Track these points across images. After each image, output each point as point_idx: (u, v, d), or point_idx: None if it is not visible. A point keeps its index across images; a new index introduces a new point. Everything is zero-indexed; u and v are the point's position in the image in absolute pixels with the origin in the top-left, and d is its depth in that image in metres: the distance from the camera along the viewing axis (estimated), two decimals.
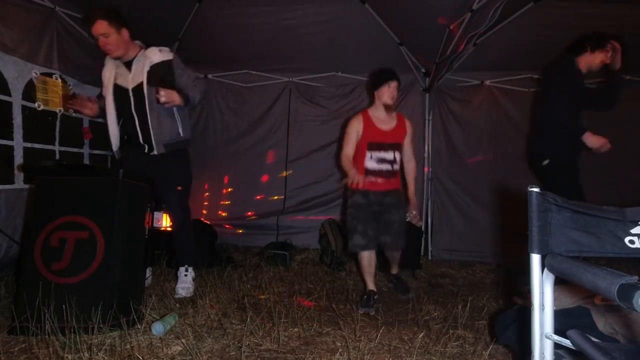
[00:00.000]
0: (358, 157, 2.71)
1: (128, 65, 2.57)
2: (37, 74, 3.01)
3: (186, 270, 2.73)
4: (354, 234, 2.62)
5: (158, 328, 1.98)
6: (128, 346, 1.84)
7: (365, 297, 2.59)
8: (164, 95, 2.47)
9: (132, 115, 2.57)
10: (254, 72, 4.45)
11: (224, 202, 4.62)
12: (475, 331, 2.19)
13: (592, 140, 2.56)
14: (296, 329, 2.11)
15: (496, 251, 3.89)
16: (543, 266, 0.90)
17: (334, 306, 2.49)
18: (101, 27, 2.41)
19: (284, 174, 4.52)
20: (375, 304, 2.55)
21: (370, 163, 2.69)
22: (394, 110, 2.79)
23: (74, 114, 3.40)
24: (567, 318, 1.47)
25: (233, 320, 2.21)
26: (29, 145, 2.98)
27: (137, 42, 2.63)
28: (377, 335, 2.03)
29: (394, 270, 2.99)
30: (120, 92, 2.57)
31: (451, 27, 3.21)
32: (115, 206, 2.11)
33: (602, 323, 1.43)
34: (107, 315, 1.94)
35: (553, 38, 3.02)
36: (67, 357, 1.71)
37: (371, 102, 2.81)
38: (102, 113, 2.69)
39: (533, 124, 3.22)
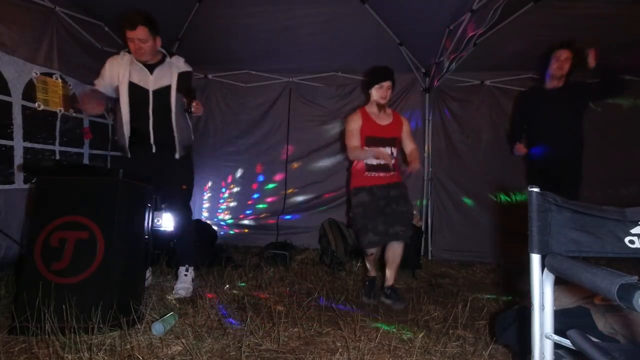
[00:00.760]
0: None
1: (149, 67, 2.58)
2: (37, 74, 3.01)
3: (186, 270, 2.74)
4: (367, 232, 2.64)
5: (158, 328, 1.98)
6: (128, 346, 1.83)
7: (367, 283, 2.69)
8: (196, 107, 2.55)
9: (148, 115, 2.57)
10: (254, 72, 4.45)
11: (224, 202, 4.62)
12: (475, 331, 2.19)
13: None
14: (296, 329, 2.11)
15: (496, 251, 3.89)
16: (543, 266, 0.90)
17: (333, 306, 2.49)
18: (142, 32, 2.44)
19: (284, 174, 4.52)
20: (376, 297, 2.66)
21: (370, 159, 2.70)
22: (389, 108, 2.81)
23: (74, 114, 3.40)
24: (567, 318, 1.47)
25: (233, 320, 2.21)
26: (29, 145, 2.99)
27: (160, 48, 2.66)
28: (377, 335, 2.03)
29: (390, 282, 2.74)
30: (136, 91, 2.56)
31: (451, 28, 3.21)
32: (115, 206, 2.11)
33: (602, 323, 1.43)
34: (107, 315, 1.94)
35: (553, 38, 3.02)
36: (67, 357, 1.71)
37: (367, 99, 2.84)
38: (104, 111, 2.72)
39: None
